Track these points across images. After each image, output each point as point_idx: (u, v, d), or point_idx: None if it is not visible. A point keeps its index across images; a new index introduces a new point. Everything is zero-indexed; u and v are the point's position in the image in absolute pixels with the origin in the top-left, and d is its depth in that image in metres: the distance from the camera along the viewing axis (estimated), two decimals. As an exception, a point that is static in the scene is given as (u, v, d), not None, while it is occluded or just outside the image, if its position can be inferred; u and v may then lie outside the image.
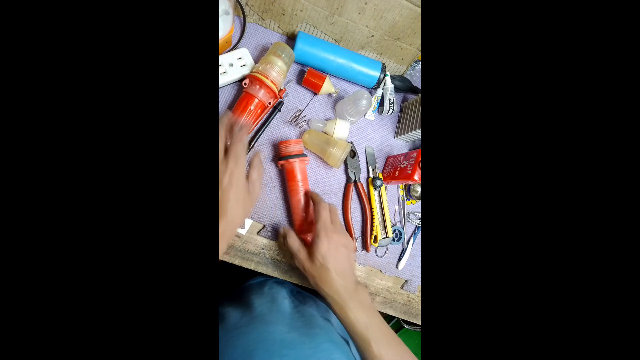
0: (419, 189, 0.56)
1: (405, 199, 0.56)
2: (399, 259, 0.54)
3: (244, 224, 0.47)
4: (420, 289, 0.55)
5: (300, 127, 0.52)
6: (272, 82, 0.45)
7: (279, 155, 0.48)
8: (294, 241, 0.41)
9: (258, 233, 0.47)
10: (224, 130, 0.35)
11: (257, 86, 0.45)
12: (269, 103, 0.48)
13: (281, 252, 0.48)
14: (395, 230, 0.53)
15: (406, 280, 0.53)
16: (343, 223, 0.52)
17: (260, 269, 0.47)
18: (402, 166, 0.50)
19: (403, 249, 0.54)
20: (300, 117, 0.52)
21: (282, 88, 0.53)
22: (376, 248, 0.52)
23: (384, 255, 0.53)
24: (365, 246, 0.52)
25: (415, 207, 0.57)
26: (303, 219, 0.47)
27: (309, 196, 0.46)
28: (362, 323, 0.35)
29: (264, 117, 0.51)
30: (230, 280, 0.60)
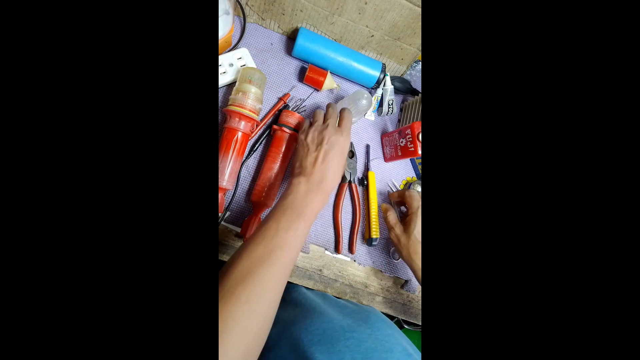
0: (419, 188, 0.56)
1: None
2: None
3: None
4: (420, 289, 0.55)
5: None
6: (250, 110, 0.45)
7: (278, 121, 0.49)
8: (392, 217, 0.48)
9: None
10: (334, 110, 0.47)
11: (237, 119, 0.44)
12: (252, 130, 0.48)
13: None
14: None
15: (406, 281, 0.53)
16: (332, 222, 0.52)
17: (260, 269, 0.47)
18: (402, 145, 0.51)
19: None
20: (301, 107, 0.53)
21: (287, 93, 0.53)
22: (366, 246, 0.53)
23: (375, 246, 0.53)
24: (350, 248, 0.51)
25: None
26: (264, 188, 0.46)
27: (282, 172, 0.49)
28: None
29: (269, 120, 0.51)
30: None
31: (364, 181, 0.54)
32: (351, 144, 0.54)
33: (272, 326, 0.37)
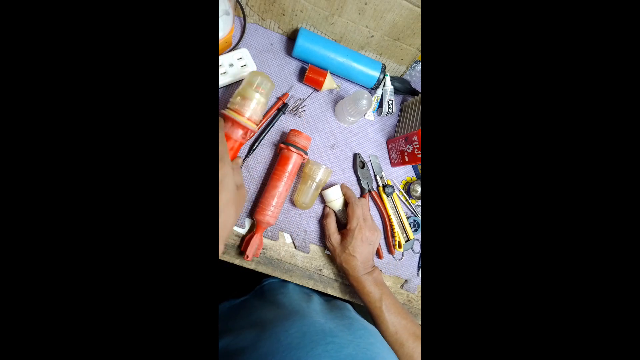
0: (418, 188, 0.56)
1: (406, 199, 0.56)
2: (419, 266, 0.55)
3: (243, 224, 0.47)
4: (420, 288, 0.55)
5: (299, 117, 0.53)
6: (247, 119, 0.42)
7: (285, 139, 0.49)
8: (331, 223, 0.48)
9: (258, 233, 0.47)
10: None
11: (230, 124, 0.42)
12: (244, 138, 0.45)
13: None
14: (413, 221, 0.55)
15: (406, 280, 0.54)
16: None
17: (260, 268, 0.47)
18: (408, 151, 0.51)
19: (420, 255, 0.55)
20: (300, 107, 0.53)
21: (286, 92, 0.53)
22: (399, 252, 0.54)
23: (401, 258, 0.54)
24: (390, 250, 0.53)
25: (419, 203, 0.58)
26: (268, 207, 0.45)
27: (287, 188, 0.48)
28: (375, 295, 0.44)
29: (269, 119, 0.51)
30: (246, 278, 0.59)
31: (385, 189, 0.54)
32: (359, 154, 0.55)
33: (251, 328, 0.37)
